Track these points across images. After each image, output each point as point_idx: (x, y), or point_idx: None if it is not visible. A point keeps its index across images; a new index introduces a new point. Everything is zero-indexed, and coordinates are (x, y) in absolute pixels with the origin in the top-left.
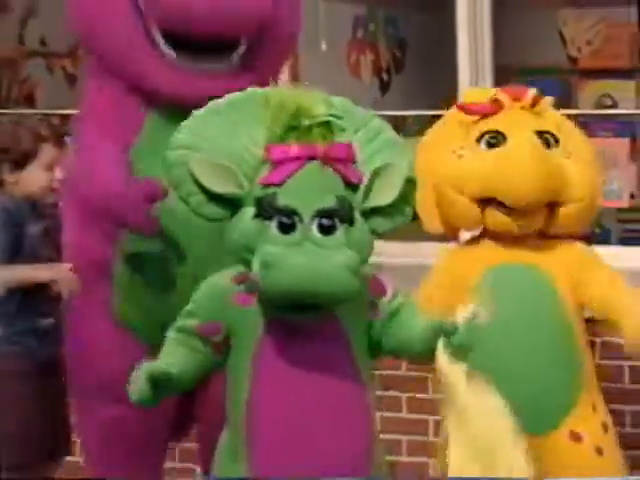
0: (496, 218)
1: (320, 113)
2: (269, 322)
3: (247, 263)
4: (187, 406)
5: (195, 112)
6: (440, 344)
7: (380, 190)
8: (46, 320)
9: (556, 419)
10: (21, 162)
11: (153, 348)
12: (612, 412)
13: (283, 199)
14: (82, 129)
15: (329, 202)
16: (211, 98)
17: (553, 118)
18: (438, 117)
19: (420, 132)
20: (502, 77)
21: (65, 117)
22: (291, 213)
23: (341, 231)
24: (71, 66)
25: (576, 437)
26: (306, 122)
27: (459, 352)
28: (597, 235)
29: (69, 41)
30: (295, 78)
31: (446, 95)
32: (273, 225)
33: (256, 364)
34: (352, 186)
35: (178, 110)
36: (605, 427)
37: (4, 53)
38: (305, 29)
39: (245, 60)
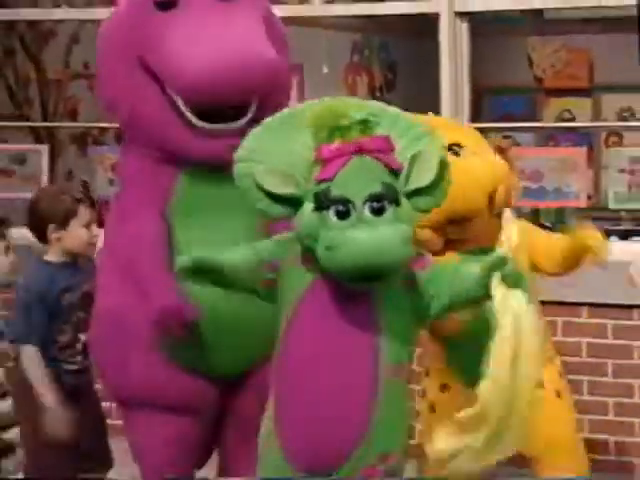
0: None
1: (355, 113)
2: (312, 282)
3: (313, 250)
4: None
5: (253, 131)
6: (494, 278)
7: (419, 173)
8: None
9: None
10: (64, 222)
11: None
12: (571, 382)
13: (336, 190)
14: (121, 192)
15: (376, 188)
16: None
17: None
18: None
19: None
20: (477, 95)
21: (103, 129)
22: (345, 202)
23: (390, 211)
24: None
25: (538, 384)
26: (345, 122)
27: (514, 280)
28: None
29: None
30: (301, 96)
31: (432, 110)
32: (331, 214)
33: (295, 311)
34: (395, 173)
35: (206, 168)
36: (561, 375)
37: (52, 75)
38: (309, 54)
39: (257, 114)
